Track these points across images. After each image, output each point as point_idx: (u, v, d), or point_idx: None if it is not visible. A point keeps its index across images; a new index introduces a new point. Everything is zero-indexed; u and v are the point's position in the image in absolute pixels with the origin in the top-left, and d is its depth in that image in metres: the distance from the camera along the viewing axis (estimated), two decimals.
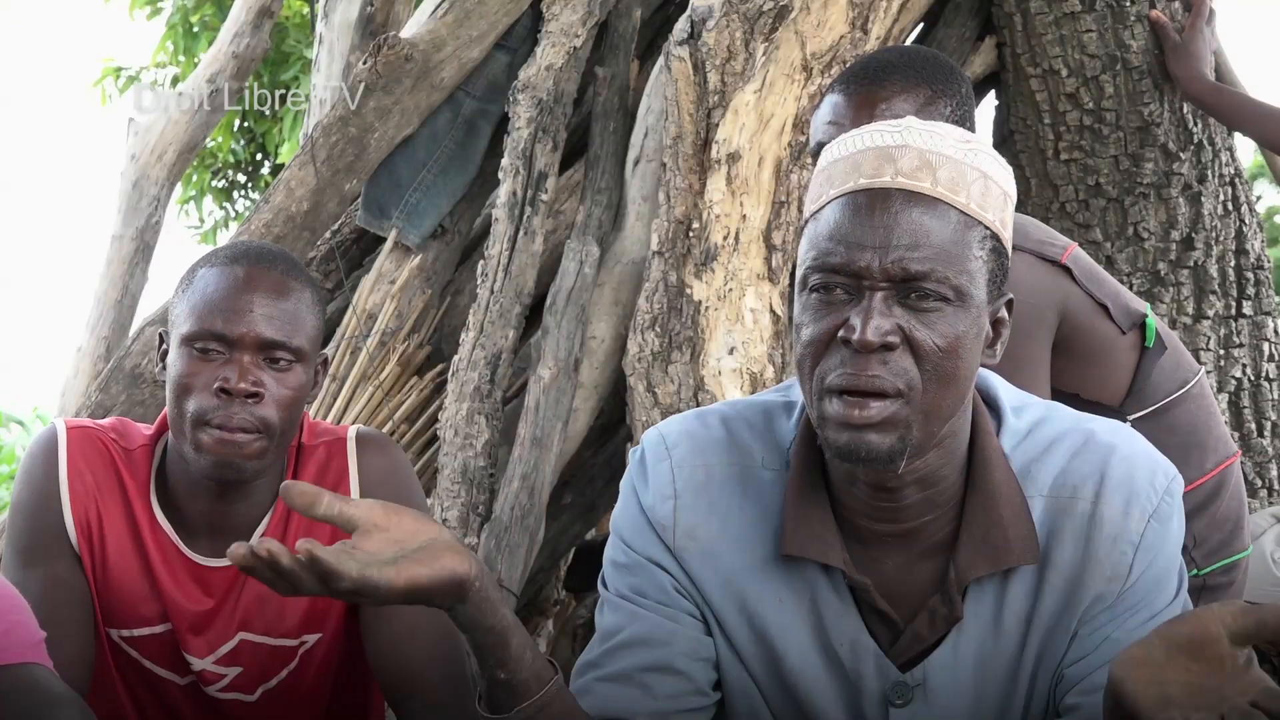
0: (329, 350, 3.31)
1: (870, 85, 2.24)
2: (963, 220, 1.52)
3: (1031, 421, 1.65)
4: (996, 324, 1.58)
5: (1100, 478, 1.60)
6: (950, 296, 1.50)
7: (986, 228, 1.54)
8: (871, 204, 1.51)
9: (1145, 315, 2.41)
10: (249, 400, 1.98)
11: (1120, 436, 1.64)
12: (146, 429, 2.16)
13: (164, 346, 2.08)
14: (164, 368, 2.07)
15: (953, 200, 1.52)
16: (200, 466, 2.01)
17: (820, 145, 2.28)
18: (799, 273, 1.56)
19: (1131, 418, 2.36)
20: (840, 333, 1.50)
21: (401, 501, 2.14)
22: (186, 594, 2.09)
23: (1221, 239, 3.34)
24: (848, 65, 2.77)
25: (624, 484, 1.74)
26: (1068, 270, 2.33)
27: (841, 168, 1.56)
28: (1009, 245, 1.58)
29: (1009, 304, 1.60)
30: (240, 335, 1.99)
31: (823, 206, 1.56)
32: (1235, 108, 3.14)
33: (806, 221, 1.58)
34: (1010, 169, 1.61)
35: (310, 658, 2.15)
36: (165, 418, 2.11)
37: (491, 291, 3.11)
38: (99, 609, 2.09)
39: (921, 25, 3.45)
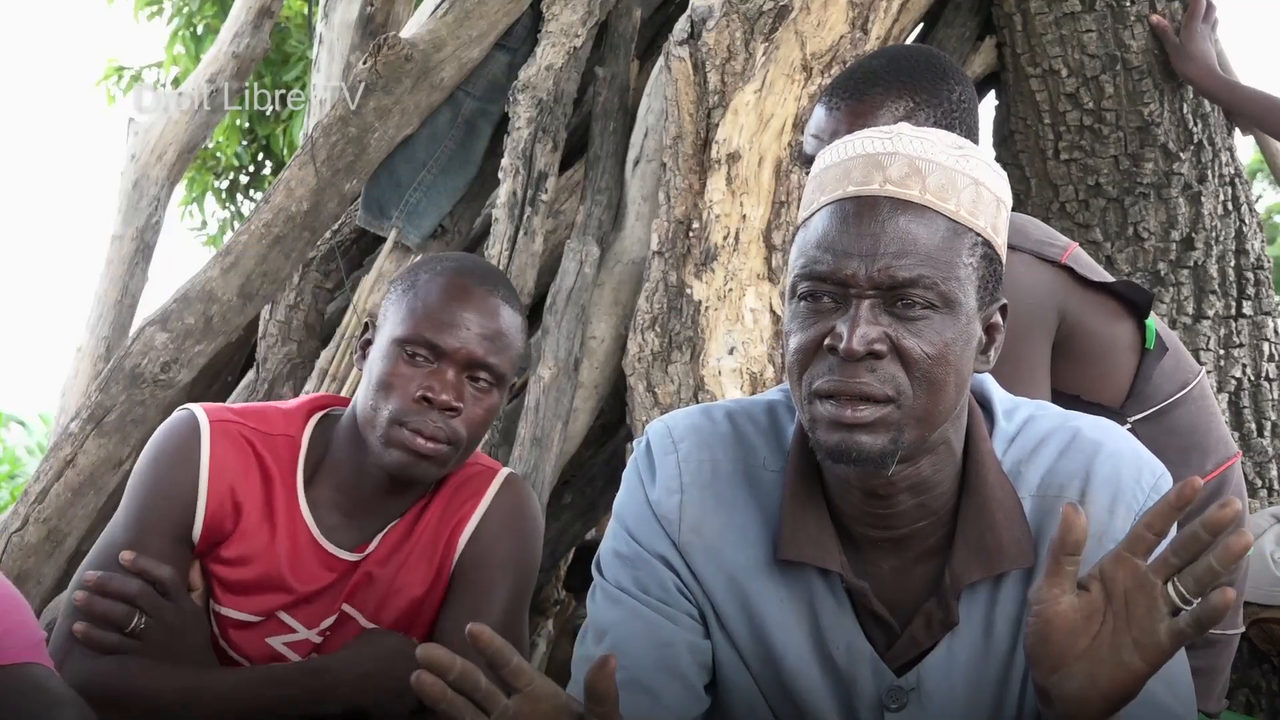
0: (329, 350, 3.32)
1: (851, 100, 2.23)
2: (951, 227, 1.51)
3: (1020, 422, 1.64)
4: (990, 330, 1.57)
5: (1086, 475, 1.59)
6: (938, 304, 1.50)
7: (977, 234, 1.53)
8: (859, 212, 1.51)
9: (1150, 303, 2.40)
10: (446, 412, 2.05)
11: (1107, 433, 1.63)
12: (286, 408, 2.18)
13: (366, 335, 2.15)
14: (362, 355, 2.13)
15: (941, 208, 1.51)
16: (385, 461, 2.06)
17: (807, 156, 2.28)
18: (788, 280, 1.55)
19: (1132, 419, 2.35)
20: (827, 341, 1.50)
21: (505, 543, 2.15)
22: (307, 578, 2.12)
23: (1221, 239, 3.33)
24: (845, 67, 2.77)
25: (628, 475, 1.72)
26: (1068, 270, 2.32)
27: (832, 175, 1.55)
28: (1002, 251, 1.57)
29: (1003, 310, 1.59)
30: (452, 349, 2.06)
31: (813, 214, 1.55)
32: (1249, 103, 3.13)
33: (798, 228, 1.58)
34: (1005, 175, 1.60)
35: None
36: (313, 401, 2.18)
37: None
38: (216, 589, 2.12)
39: (921, 25, 3.45)
